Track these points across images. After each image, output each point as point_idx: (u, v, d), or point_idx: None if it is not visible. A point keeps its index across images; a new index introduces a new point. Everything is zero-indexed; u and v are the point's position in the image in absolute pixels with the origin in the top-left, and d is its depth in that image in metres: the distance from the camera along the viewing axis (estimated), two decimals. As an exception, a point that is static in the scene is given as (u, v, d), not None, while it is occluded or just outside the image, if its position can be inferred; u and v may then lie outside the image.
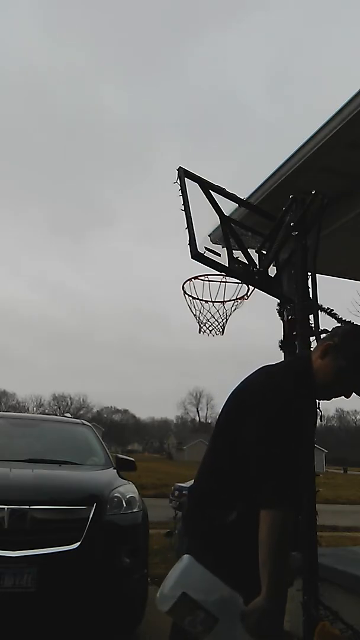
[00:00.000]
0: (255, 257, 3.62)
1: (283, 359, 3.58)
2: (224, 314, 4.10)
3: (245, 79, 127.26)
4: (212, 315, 4.10)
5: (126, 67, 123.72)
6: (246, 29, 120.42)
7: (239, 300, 4.05)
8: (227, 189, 3.65)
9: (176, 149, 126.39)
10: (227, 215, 3.75)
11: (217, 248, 3.57)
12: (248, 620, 1.48)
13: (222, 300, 4.05)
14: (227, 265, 3.47)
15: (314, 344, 3.31)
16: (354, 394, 1.78)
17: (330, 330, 1.87)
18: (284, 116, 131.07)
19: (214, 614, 1.48)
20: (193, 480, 1.90)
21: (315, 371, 1.73)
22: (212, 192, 3.53)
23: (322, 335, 3.12)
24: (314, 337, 3.28)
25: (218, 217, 3.65)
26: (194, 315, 4.13)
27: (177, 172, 3.49)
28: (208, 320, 4.12)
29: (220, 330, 4.17)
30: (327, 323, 3.54)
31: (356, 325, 2.05)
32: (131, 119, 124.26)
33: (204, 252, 3.35)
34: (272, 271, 3.56)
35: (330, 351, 1.72)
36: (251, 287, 3.83)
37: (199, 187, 3.51)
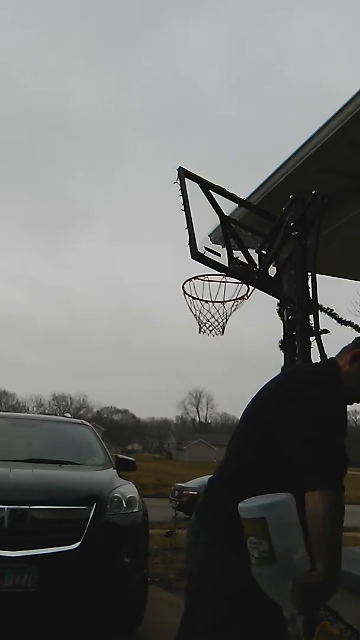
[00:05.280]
0: (255, 257, 3.62)
1: (284, 359, 3.59)
2: (224, 314, 4.10)
3: (216, 71, 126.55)
4: (212, 315, 4.10)
5: (96, 63, 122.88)
6: (209, 21, 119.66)
7: (239, 300, 4.05)
8: (227, 189, 3.65)
9: (152, 144, 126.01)
10: (227, 215, 3.76)
11: (217, 248, 3.57)
12: (296, 588, 1.50)
13: (222, 300, 4.05)
14: (227, 265, 3.47)
15: (314, 344, 3.31)
16: None
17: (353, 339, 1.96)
18: (254, 108, 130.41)
19: (274, 556, 1.47)
20: (213, 474, 1.93)
21: (345, 376, 1.83)
22: (212, 192, 3.53)
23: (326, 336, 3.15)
24: (314, 337, 3.28)
25: (218, 217, 3.65)
26: (194, 315, 4.14)
27: (177, 172, 3.49)
28: (208, 320, 4.12)
29: (220, 330, 4.17)
30: (327, 323, 3.55)
31: None
32: (104, 114, 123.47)
33: (204, 252, 3.35)
34: (272, 271, 3.56)
35: (358, 358, 1.83)
36: (251, 287, 3.83)
37: (199, 187, 3.51)
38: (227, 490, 1.79)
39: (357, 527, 14.51)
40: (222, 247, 3.63)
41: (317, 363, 2.53)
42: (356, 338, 1.93)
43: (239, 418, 1.95)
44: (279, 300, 3.66)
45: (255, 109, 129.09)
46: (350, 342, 1.93)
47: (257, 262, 3.59)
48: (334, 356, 1.94)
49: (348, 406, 1.84)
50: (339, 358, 1.88)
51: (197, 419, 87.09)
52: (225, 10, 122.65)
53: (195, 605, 1.76)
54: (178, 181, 3.45)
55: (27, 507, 3.32)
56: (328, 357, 1.99)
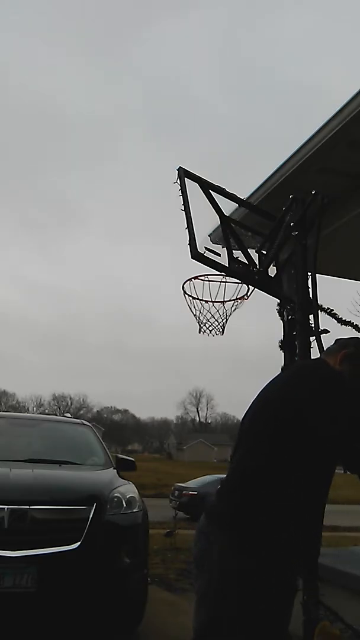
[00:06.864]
0: (255, 257, 3.62)
1: (284, 359, 3.59)
2: (224, 314, 4.10)
3: (215, 71, 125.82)
4: (212, 315, 4.10)
5: (94, 62, 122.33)
6: (209, 21, 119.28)
7: (239, 300, 4.04)
8: (227, 189, 3.65)
9: (152, 144, 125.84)
10: (227, 215, 3.75)
11: (217, 248, 3.57)
12: None
13: (222, 300, 4.04)
14: (227, 265, 3.47)
15: (314, 344, 3.31)
16: None
17: (338, 339, 2.04)
18: (254, 108, 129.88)
19: None
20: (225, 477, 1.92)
21: None
22: (212, 192, 3.53)
23: (322, 336, 3.17)
24: (314, 337, 3.28)
25: (218, 217, 3.64)
26: (194, 315, 4.13)
27: (177, 172, 3.49)
28: (208, 320, 4.12)
29: (220, 330, 4.17)
30: (327, 323, 3.54)
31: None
32: (103, 113, 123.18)
33: (204, 252, 3.35)
34: (272, 271, 3.55)
35: (347, 359, 1.90)
36: (251, 287, 3.83)
37: (199, 187, 3.51)
38: (240, 494, 1.77)
39: (357, 527, 14.55)
40: (222, 247, 3.62)
41: (308, 362, 2.56)
42: (338, 339, 2.02)
43: (241, 423, 1.96)
44: (279, 300, 3.66)
45: (255, 109, 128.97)
46: (333, 343, 2.02)
47: (257, 262, 3.59)
48: (319, 357, 2.00)
49: None
50: (328, 359, 1.95)
51: (197, 419, 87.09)
52: (224, 9, 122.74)
53: (222, 624, 1.68)
54: (178, 181, 3.45)
55: (27, 507, 3.32)
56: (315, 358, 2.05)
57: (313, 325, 3.29)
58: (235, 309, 4.10)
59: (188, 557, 6.44)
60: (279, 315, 3.65)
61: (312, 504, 1.76)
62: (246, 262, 3.56)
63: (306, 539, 1.76)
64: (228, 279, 3.89)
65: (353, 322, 4.32)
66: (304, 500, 1.73)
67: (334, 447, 1.72)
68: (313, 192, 3.32)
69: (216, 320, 4.11)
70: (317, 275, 3.37)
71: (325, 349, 2.05)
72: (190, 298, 4.10)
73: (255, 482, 1.73)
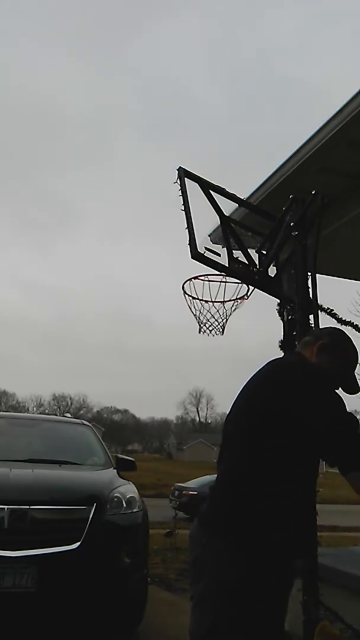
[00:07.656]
0: (255, 257, 3.62)
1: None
2: (224, 314, 4.10)
3: (215, 72, 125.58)
4: (212, 315, 4.10)
5: (92, 61, 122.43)
6: (208, 20, 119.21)
7: (239, 300, 4.04)
8: (227, 189, 3.65)
9: (152, 144, 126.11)
10: (227, 215, 3.75)
11: (217, 248, 3.57)
12: None
13: (222, 300, 4.04)
14: (227, 265, 3.47)
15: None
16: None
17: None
18: (254, 108, 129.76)
19: None
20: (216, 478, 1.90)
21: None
22: (212, 192, 3.53)
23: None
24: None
25: (218, 217, 3.64)
26: (194, 315, 4.13)
27: (177, 172, 3.49)
28: (208, 320, 4.11)
29: (220, 330, 4.17)
30: (327, 323, 3.54)
31: (334, 327, 2.31)
32: (105, 113, 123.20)
33: (204, 252, 3.35)
34: (272, 271, 3.55)
35: (324, 350, 1.91)
36: (251, 287, 3.83)
37: (199, 187, 3.51)
38: (233, 493, 1.75)
39: (357, 527, 14.56)
40: (222, 247, 3.62)
41: (288, 357, 2.55)
42: (314, 330, 2.02)
43: (224, 425, 1.95)
44: (279, 300, 3.66)
45: (255, 108, 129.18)
46: (309, 336, 2.05)
47: (257, 262, 3.59)
48: (296, 350, 2.02)
49: None
50: (304, 351, 1.95)
51: (197, 419, 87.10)
52: (224, 9, 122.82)
53: (222, 624, 1.67)
54: (178, 181, 3.45)
55: (27, 507, 3.33)
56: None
57: (313, 325, 3.29)
58: (235, 309, 4.10)
59: (188, 557, 6.42)
60: (279, 315, 3.65)
61: (309, 501, 1.76)
62: (246, 262, 3.56)
63: (305, 538, 1.76)
64: (228, 279, 3.89)
65: (353, 322, 4.32)
66: (302, 498, 1.72)
67: (324, 443, 1.72)
68: (313, 192, 3.32)
69: (216, 320, 4.11)
70: (317, 275, 3.37)
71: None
72: (190, 298, 4.09)
73: (249, 480, 1.72)
